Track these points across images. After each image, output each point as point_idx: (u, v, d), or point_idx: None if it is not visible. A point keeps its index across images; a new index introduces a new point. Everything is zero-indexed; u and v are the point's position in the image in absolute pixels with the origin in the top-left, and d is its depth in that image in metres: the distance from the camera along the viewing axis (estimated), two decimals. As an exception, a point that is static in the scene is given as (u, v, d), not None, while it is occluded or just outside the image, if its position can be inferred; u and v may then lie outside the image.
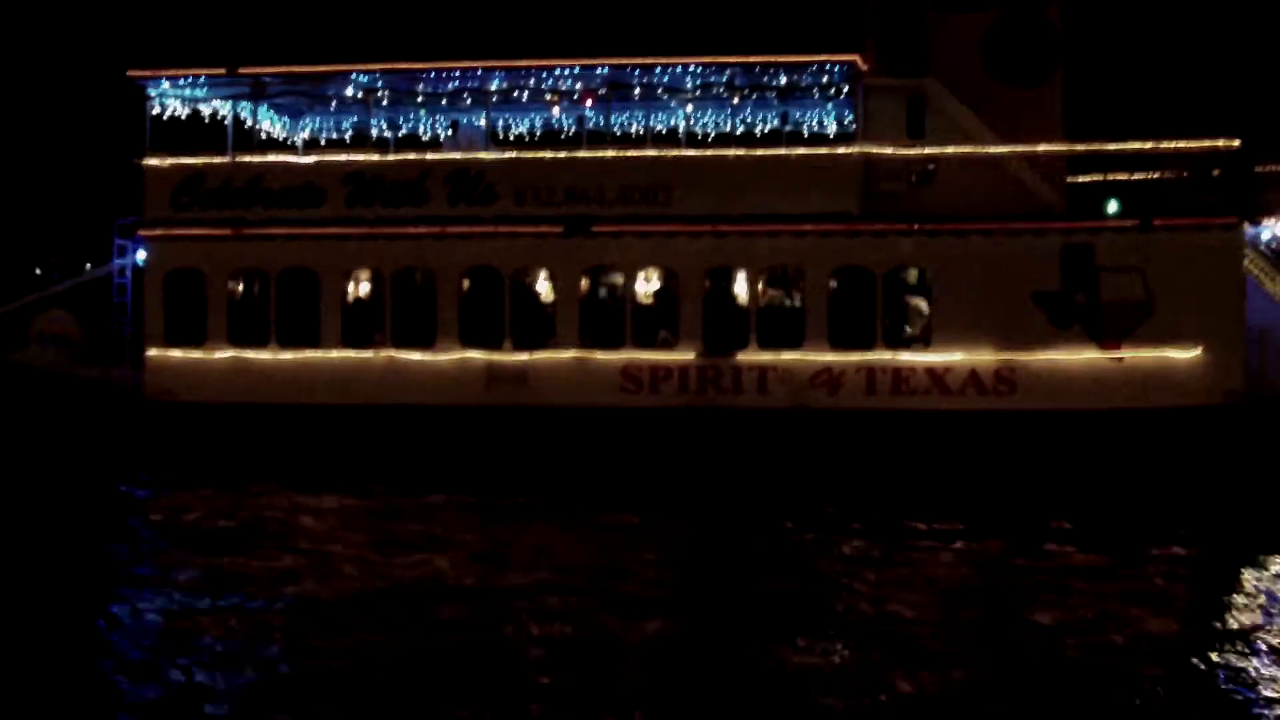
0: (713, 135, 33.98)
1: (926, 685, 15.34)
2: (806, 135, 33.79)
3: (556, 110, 33.15)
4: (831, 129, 33.80)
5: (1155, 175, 29.38)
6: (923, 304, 28.97)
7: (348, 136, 35.04)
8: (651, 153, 29.74)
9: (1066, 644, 17.18)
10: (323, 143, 34.77)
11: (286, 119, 34.15)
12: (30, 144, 46.50)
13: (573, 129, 33.62)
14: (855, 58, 28.60)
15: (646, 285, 29.89)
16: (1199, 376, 27.35)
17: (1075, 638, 17.43)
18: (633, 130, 34.12)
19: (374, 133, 34.43)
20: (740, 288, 29.09)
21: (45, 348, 31.07)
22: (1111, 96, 37.72)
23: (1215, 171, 28.36)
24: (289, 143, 34.51)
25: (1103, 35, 37.59)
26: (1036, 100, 29.25)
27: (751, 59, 28.83)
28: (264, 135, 33.96)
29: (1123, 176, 30.31)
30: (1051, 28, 29.38)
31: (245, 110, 32.24)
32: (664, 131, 33.81)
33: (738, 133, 33.65)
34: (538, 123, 34.21)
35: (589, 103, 31.78)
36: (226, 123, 31.52)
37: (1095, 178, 30.00)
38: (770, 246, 28.46)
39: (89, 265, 33.06)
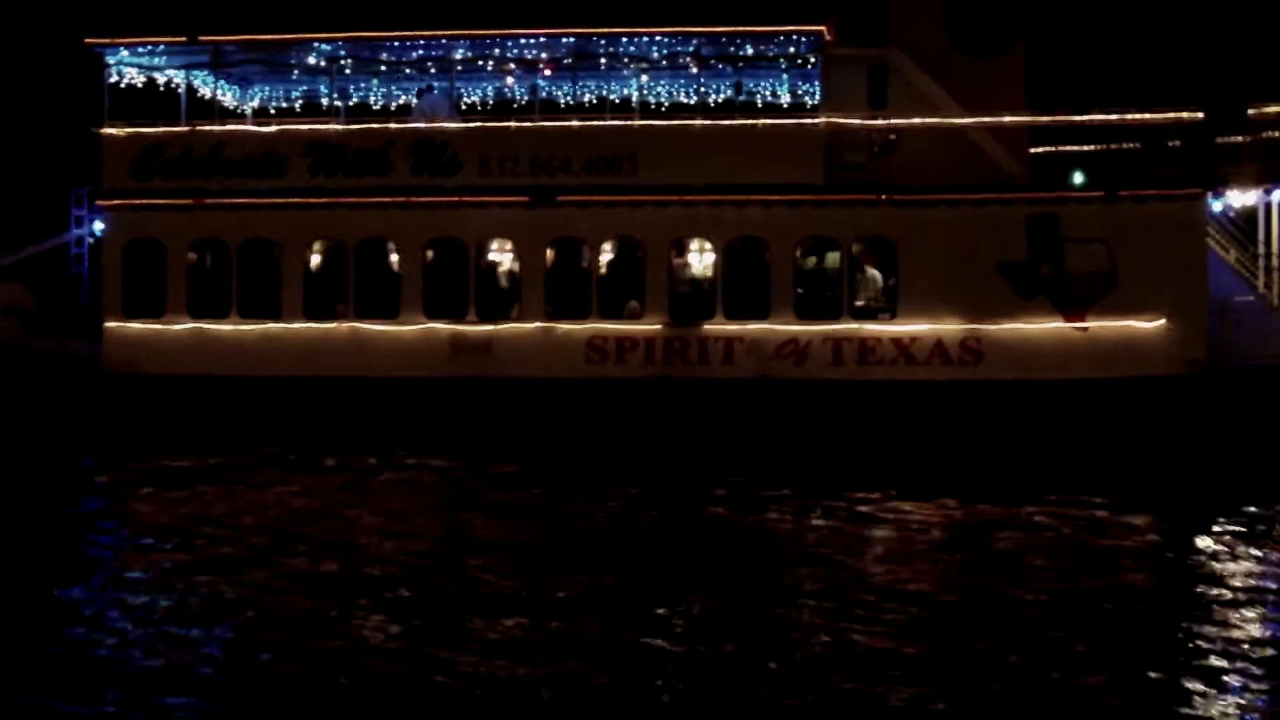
0: (666, 105, 33.95)
1: (889, 657, 15.32)
2: (760, 105, 33.77)
3: (511, 80, 32.94)
4: (785, 99, 33.81)
5: (1112, 146, 29.52)
6: (877, 275, 29.08)
7: (297, 105, 34.80)
8: (617, 122, 29.61)
9: (1030, 612, 17.28)
10: (272, 111, 34.49)
11: (236, 88, 33.83)
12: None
13: (525, 99, 33.40)
14: (822, 28, 28.56)
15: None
16: (1163, 347, 27.54)
17: (1039, 606, 17.52)
18: (585, 100, 34.07)
19: (324, 102, 34.28)
20: (706, 258, 29.07)
21: (-1, 320, 30.62)
22: (1072, 67, 37.84)
23: (1174, 143, 28.59)
24: (239, 111, 34.22)
25: (1064, 5, 37.69)
26: (998, 71, 29.25)
27: (718, 29, 28.74)
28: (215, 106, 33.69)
29: (1074, 148, 30.32)
30: (1014, -2, 29.47)
31: (199, 79, 31.96)
32: (617, 101, 33.77)
33: (691, 102, 33.63)
34: (490, 92, 34.05)
35: (548, 72, 31.63)
36: (180, 92, 31.18)
37: (1048, 149, 29.96)
38: (737, 217, 28.43)
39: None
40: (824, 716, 13.57)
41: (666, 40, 29.06)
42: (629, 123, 29.43)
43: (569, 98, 33.94)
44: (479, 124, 29.71)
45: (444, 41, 29.37)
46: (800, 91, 33.50)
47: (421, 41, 29.34)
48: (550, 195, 28.65)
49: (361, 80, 33.11)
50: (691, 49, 29.46)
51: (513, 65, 31.41)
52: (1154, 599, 18.09)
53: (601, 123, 29.70)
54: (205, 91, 32.89)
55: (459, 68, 30.39)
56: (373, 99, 34.13)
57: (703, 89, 33.36)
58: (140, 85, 31.33)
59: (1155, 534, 22.33)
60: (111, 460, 27.83)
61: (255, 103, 34.39)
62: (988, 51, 29.29)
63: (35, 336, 30.56)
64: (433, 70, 30.86)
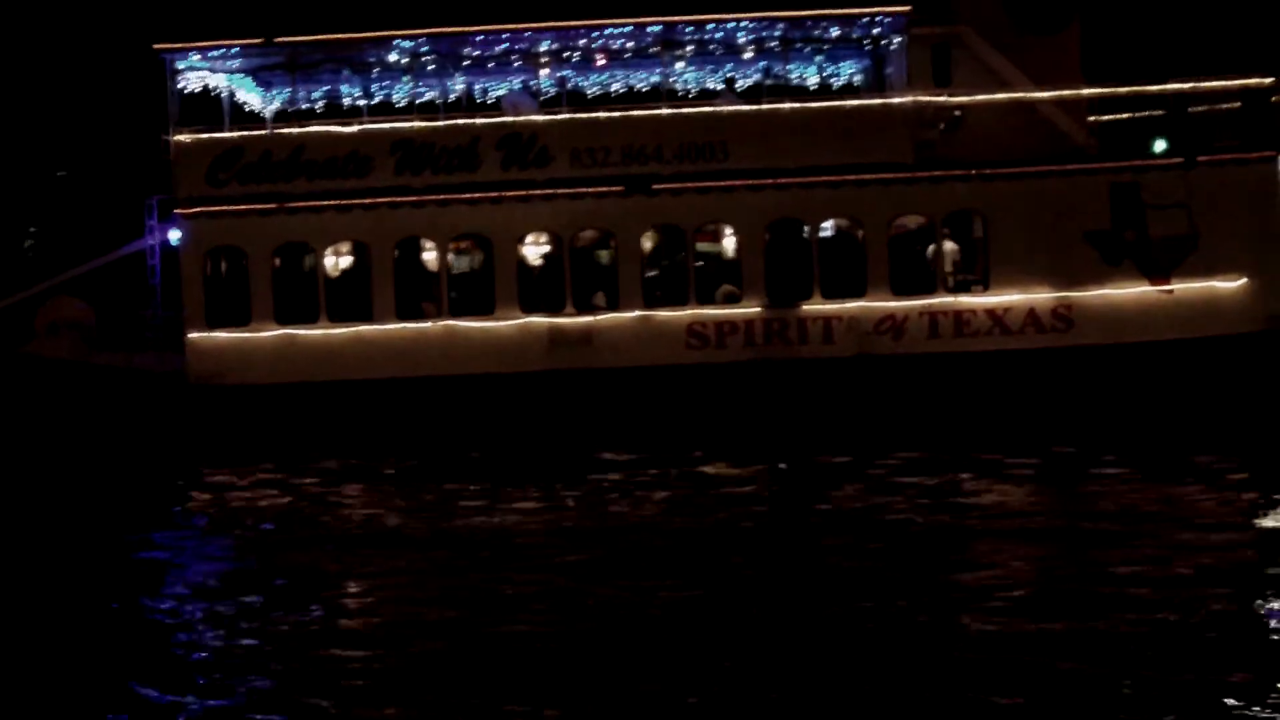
0: (695, 92, 34.11)
1: (984, 631, 15.83)
2: (791, 87, 34.06)
3: (544, 72, 32.73)
4: (813, 83, 34.15)
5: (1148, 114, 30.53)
6: (955, 248, 29.64)
7: (318, 107, 34.26)
8: (707, 109, 29.74)
9: (1130, 573, 17.89)
10: (289, 113, 33.86)
11: (260, 90, 33.19)
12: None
13: (553, 91, 33.23)
14: (908, 9, 28.93)
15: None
16: (1244, 305, 28.60)
17: (1141, 569, 18.09)
18: (612, 90, 34.15)
19: (346, 102, 33.90)
20: (800, 239, 29.35)
21: (59, 337, 29.55)
22: (1119, 38, 38.97)
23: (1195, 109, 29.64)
24: (261, 114, 33.61)
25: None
26: (1057, 46, 30.08)
27: (802, 14, 29.01)
28: (246, 108, 33.13)
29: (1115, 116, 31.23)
30: (1068, -26, 30.28)
31: (237, 83, 31.39)
32: (645, 90, 33.91)
33: (719, 89, 33.86)
34: (516, 86, 33.78)
35: (601, 62, 31.66)
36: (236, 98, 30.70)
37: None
38: (830, 197, 28.78)
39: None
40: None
41: (751, 26, 29.24)
42: (719, 109, 29.62)
43: (595, 88, 34.02)
44: (569, 115, 29.49)
45: (528, 34, 29.18)
46: (826, 74, 33.95)
47: (506, 35, 29.11)
48: (645, 184, 28.69)
49: (387, 78, 32.81)
50: (777, 34, 29.64)
51: (546, 59, 31.24)
52: (1243, 559, 18.74)
53: (692, 110, 29.72)
54: (240, 95, 32.36)
55: (543, 59, 30.21)
56: (395, 97, 33.76)
57: (729, 75, 33.63)
58: (197, 91, 30.54)
59: (1245, 488, 23.23)
60: (203, 477, 27.17)
61: (276, 105, 33.78)
62: (1045, 28, 30.05)
63: (99, 352, 29.64)
64: (516, 64, 30.60)
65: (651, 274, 29.33)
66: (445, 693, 14.33)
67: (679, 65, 32.17)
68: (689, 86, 33.93)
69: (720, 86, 33.42)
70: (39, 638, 16.93)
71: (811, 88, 34.09)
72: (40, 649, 16.44)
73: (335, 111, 33.88)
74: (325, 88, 33.50)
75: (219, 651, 16.05)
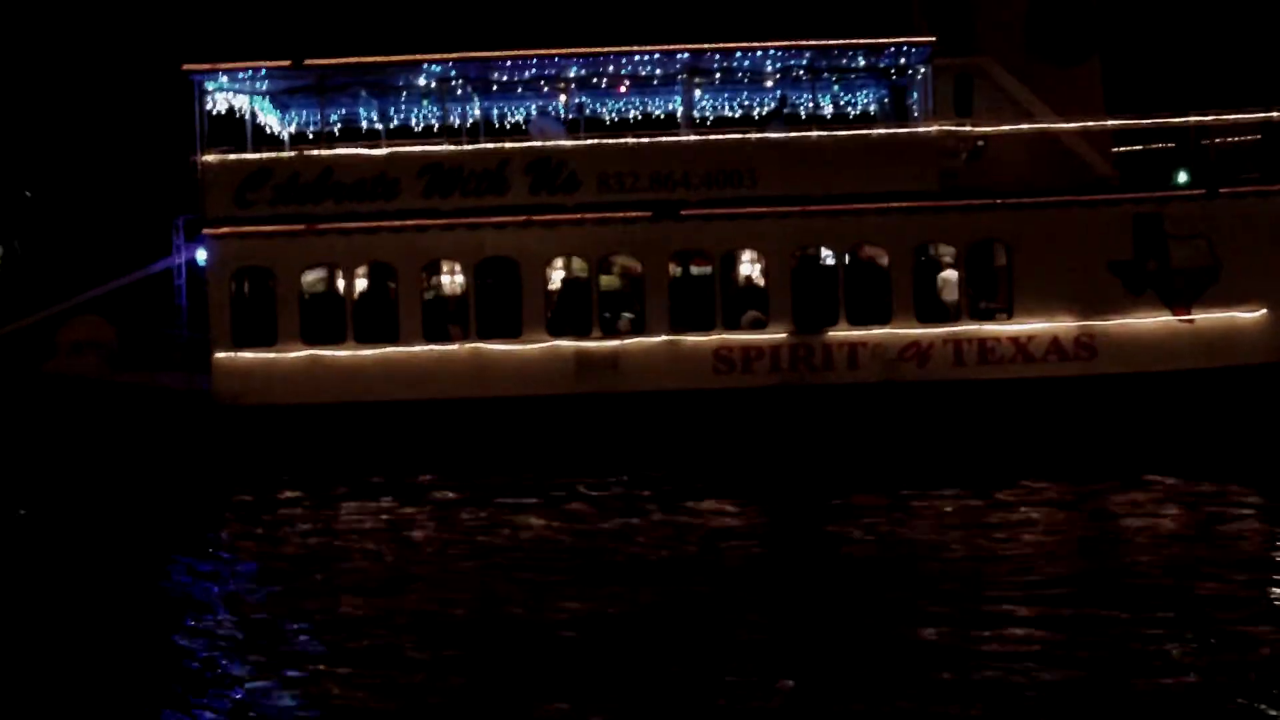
0: (711, 119, 34.30)
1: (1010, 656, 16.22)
2: (804, 117, 34.25)
3: (564, 98, 32.83)
4: (828, 110, 34.36)
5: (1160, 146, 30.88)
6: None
7: (336, 130, 34.33)
8: (736, 136, 29.87)
9: (1146, 602, 18.26)
10: (310, 136, 33.97)
11: (278, 112, 33.29)
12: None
13: (571, 116, 33.36)
14: (933, 39, 29.17)
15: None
16: (1264, 336, 28.87)
17: (1158, 597, 18.53)
18: (630, 116, 34.34)
19: (364, 125, 34.03)
20: (828, 267, 29.51)
21: (80, 356, 29.48)
22: (1137, 69, 39.34)
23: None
24: (279, 136, 33.74)
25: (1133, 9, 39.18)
26: (1080, 76, 30.40)
27: (830, 42, 29.18)
28: (267, 130, 33.23)
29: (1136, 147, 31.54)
30: (1090, 6, 30.54)
31: (258, 104, 31.48)
32: (662, 116, 34.13)
33: (735, 116, 34.13)
34: (534, 111, 33.88)
35: (623, 90, 31.85)
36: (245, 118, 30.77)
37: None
38: (857, 225, 28.94)
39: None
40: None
41: (780, 54, 29.40)
42: (747, 136, 29.74)
43: (613, 114, 34.21)
44: (597, 140, 29.66)
45: (557, 60, 29.31)
46: (843, 103, 34.21)
47: (534, 60, 29.23)
48: (674, 209, 28.82)
49: (406, 102, 32.88)
50: (804, 62, 29.85)
51: (572, 85, 31.39)
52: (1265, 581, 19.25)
53: (721, 136, 29.86)
54: (261, 118, 32.42)
55: (572, 85, 30.35)
56: (413, 120, 33.85)
57: (746, 102, 33.90)
58: (221, 112, 30.54)
59: (1264, 516, 23.63)
60: (228, 497, 27.19)
61: (293, 127, 33.92)
62: (1067, 59, 30.35)
63: (121, 371, 29.59)
64: (540, 89, 30.74)
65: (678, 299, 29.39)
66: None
67: (697, 92, 32.43)
68: (706, 113, 34.18)
69: (738, 114, 33.83)
70: (58, 659, 17.06)
71: (827, 116, 34.38)
72: (60, 671, 16.61)
73: (352, 134, 34.03)
74: (341, 110, 33.65)
75: (239, 671, 16.29)
